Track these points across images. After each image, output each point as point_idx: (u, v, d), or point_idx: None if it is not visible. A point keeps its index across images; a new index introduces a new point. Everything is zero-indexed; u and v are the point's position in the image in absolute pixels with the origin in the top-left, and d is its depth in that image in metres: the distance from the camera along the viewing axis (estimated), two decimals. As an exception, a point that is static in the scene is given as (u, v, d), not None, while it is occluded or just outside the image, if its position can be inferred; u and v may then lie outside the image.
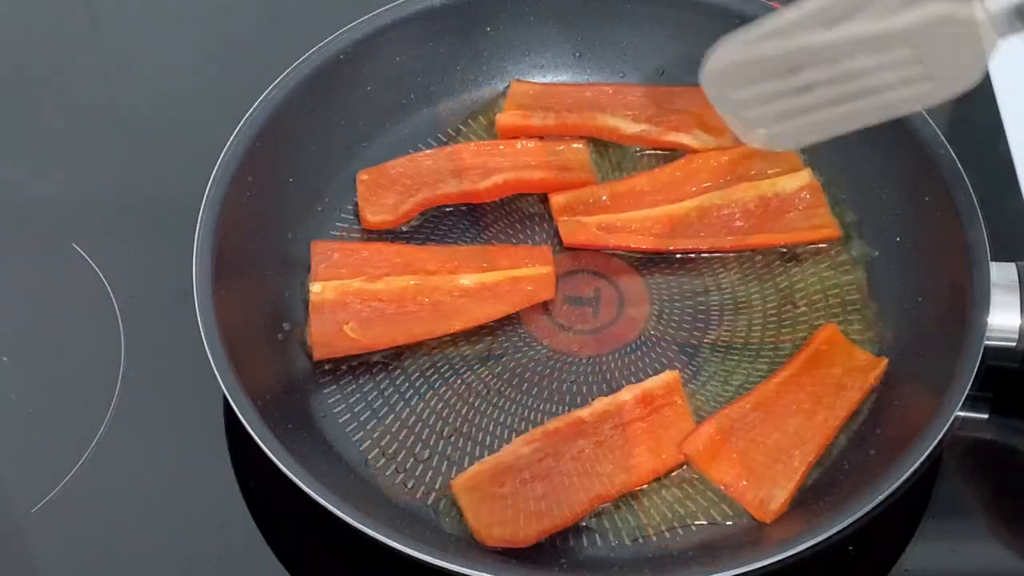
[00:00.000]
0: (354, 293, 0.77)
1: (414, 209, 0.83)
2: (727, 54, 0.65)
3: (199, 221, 0.75)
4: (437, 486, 0.72)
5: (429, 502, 0.71)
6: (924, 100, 0.63)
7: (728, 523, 0.70)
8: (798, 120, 0.65)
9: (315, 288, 0.77)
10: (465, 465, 0.73)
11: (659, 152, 0.86)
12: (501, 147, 0.85)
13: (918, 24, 0.60)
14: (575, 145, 0.86)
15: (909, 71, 0.61)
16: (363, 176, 0.83)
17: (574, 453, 0.71)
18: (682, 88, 0.87)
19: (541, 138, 0.86)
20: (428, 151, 0.85)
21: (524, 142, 0.86)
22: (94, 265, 0.81)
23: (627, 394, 0.74)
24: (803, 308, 0.79)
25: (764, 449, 0.71)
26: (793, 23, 0.62)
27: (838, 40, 0.62)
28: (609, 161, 0.87)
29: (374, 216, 0.82)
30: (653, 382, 0.74)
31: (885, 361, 0.74)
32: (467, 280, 0.78)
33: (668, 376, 0.75)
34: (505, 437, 0.74)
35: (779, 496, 0.69)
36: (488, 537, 0.68)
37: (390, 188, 0.83)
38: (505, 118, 0.87)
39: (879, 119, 0.65)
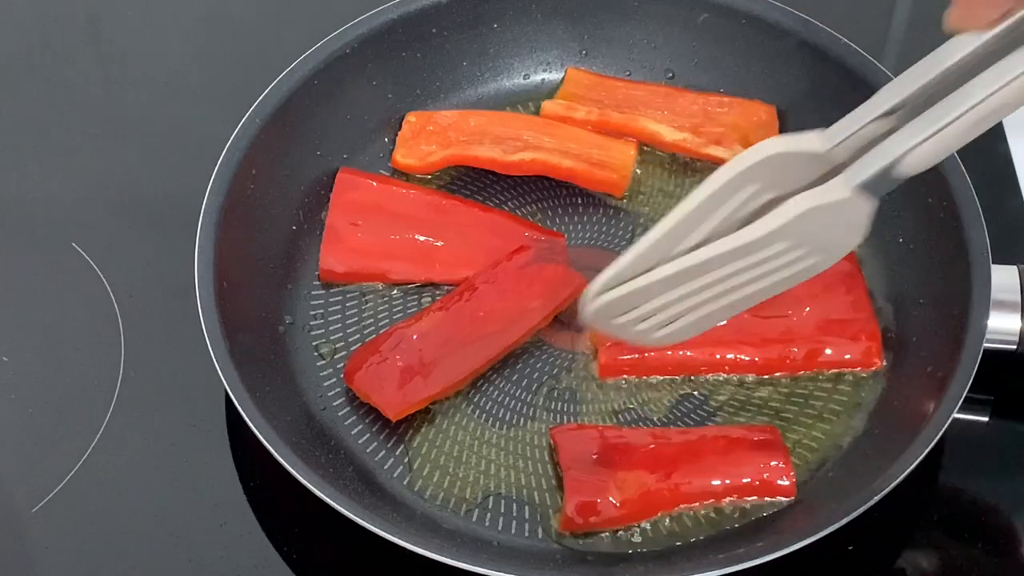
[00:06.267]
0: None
1: (440, 163, 0.85)
2: (599, 297, 0.64)
3: (202, 212, 0.76)
4: (435, 479, 0.74)
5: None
6: (814, 271, 0.63)
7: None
8: (689, 318, 0.65)
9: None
10: (463, 458, 0.74)
11: (710, 164, 0.85)
12: (552, 127, 0.87)
13: (787, 225, 0.60)
14: (624, 146, 0.86)
15: (791, 256, 0.62)
16: (411, 118, 0.87)
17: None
18: (738, 100, 0.88)
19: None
20: (483, 111, 0.87)
21: (576, 129, 0.87)
22: (94, 265, 0.83)
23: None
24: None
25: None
26: (653, 245, 0.61)
27: (706, 259, 0.61)
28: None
29: (403, 159, 0.86)
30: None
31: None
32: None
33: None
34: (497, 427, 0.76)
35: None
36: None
37: (430, 136, 0.85)
38: (551, 106, 0.88)
39: (772, 294, 0.65)
